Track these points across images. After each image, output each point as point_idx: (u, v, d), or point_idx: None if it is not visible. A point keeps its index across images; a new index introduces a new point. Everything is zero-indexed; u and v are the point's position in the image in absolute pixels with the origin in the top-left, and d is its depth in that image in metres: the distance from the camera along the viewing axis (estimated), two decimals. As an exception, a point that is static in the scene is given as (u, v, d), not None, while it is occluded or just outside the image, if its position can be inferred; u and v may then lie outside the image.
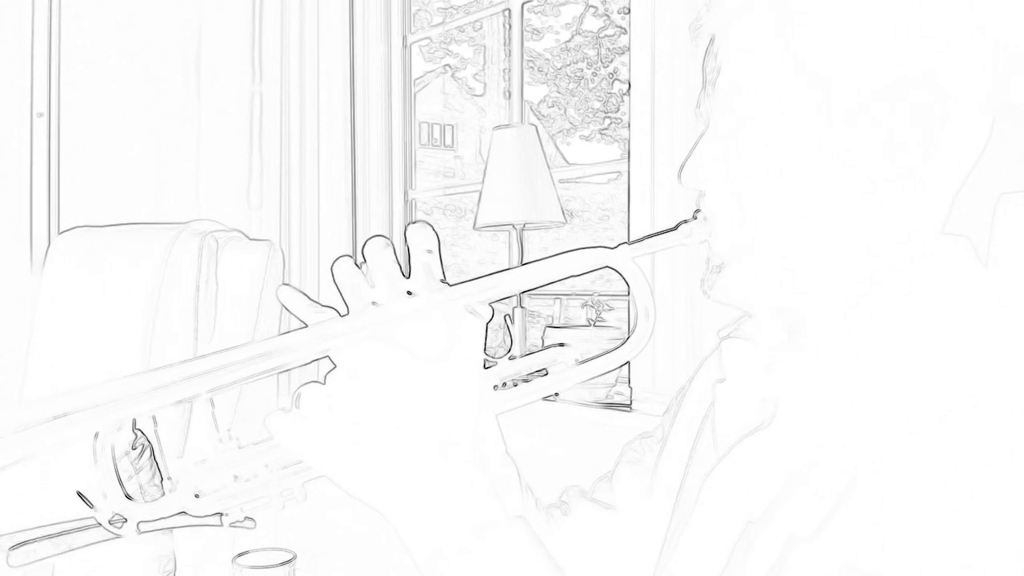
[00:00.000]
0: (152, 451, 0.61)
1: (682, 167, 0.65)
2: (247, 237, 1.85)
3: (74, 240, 1.89)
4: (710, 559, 0.61)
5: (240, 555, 0.97)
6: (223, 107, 2.39)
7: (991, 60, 0.58)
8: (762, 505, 0.58)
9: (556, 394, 1.74)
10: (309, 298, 0.62)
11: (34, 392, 1.78)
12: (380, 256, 0.62)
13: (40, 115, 2.17)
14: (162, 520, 0.60)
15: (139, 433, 0.60)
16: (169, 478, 0.60)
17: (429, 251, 0.63)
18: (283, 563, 0.97)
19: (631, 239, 0.68)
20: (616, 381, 1.71)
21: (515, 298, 1.92)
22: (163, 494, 0.60)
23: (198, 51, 2.39)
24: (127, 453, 0.59)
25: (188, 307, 1.71)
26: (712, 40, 0.64)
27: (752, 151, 0.61)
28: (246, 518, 0.62)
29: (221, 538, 1.32)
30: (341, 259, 0.62)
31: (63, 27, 2.21)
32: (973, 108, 0.58)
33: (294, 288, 0.63)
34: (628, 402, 1.66)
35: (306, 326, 0.61)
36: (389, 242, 0.63)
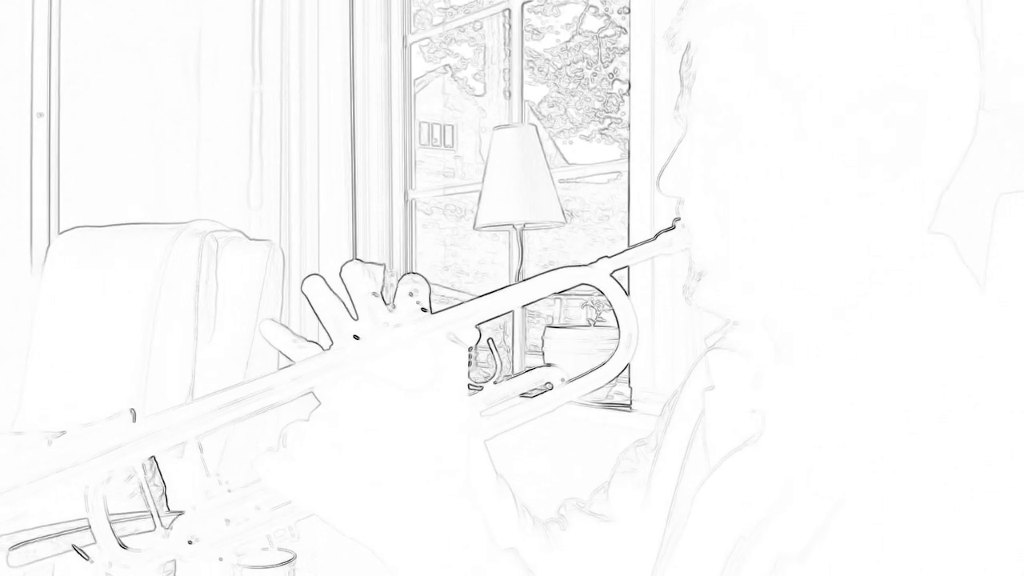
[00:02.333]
0: (158, 467, 0.61)
1: (660, 174, 0.65)
2: (247, 237, 1.86)
3: (74, 240, 1.89)
4: (703, 573, 0.61)
5: (240, 555, 0.97)
6: (223, 107, 2.39)
7: (975, 62, 0.58)
8: (753, 520, 0.58)
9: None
10: (293, 333, 0.62)
11: (34, 392, 1.78)
12: (360, 285, 0.61)
13: (40, 115, 2.17)
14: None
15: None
16: (164, 526, 0.60)
17: (410, 294, 0.62)
18: (283, 563, 0.96)
19: (628, 240, 0.68)
20: (616, 382, 1.71)
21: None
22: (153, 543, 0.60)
23: (198, 51, 2.39)
24: (129, 478, 0.59)
25: (188, 307, 1.71)
26: (688, 47, 0.63)
27: (730, 160, 0.61)
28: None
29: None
30: (312, 279, 0.61)
31: (63, 27, 2.21)
32: (955, 110, 0.58)
33: (277, 323, 0.62)
34: (628, 402, 1.66)
35: (292, 363, 0.61)
36: (368, 269, 0.62)
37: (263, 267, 1.75)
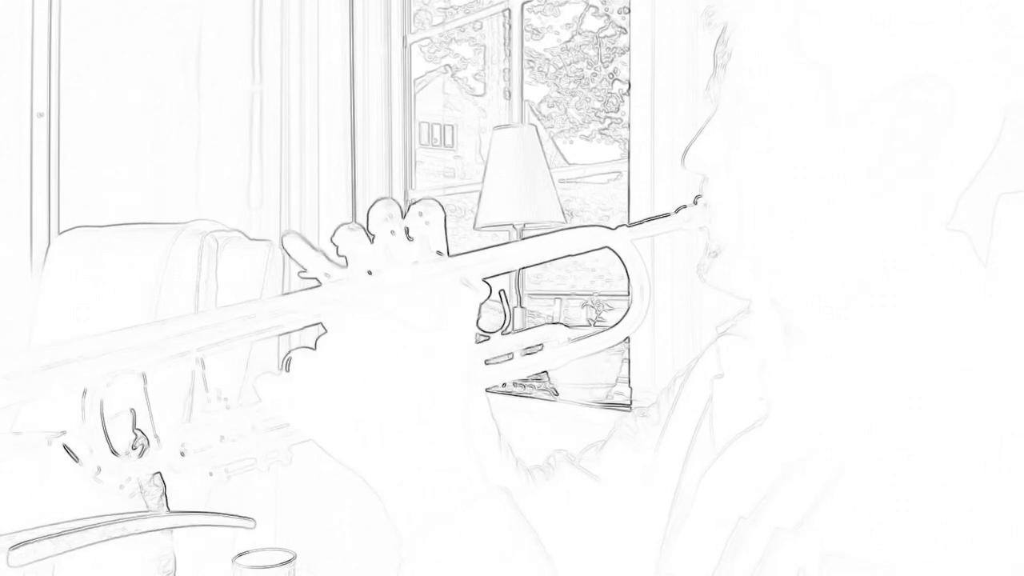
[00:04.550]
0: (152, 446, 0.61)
1: (686, 151, 0.65)
2: (247, 237, 1.85)
3: (74, 240, 1.89)
4: (707, 555, 0.62)
5: (240, 555, 0.97)
6: (223, 107, 2.39)
7: (1001, 59, 0.58)
8: (754, 502, 0.58)
9: (557, 393, 1.74)
10: (312, 247, 0.62)
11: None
12: (382, 223, 0.62)
13: (40, 115, 2.17)
14: (156, 520, 0.60)
15: (139, 433, 0.60)
16: (156, 436, 0.60)
17: (427, 223, 0.62)
18: (283, 563, 0.97)
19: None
20: (616, 381, 1.71)
21: (516, 297, 1.92)
22: (148, 448, 0.60)
23: (198, 51, 2.39)
24: (127, 453, 0.59)
25: (188, 307, 1.71)
26: (724, 28, 0.64)
27: (757, 142, 0.61)
28: (242, 517, 0.62)
29: (221, 538, 1.32)
30: (342, 228, 0.62)
31: (63, 27, 2.21)
32: (981, 107, 0.58)
33: (300, 236, 0.63)
34: (628, 402, 1.66)
35: (318, 283, 0.61)
36: (395, 204, 0.62)
37: (263, 267, 1.75)
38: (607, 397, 1.71)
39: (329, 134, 2.34)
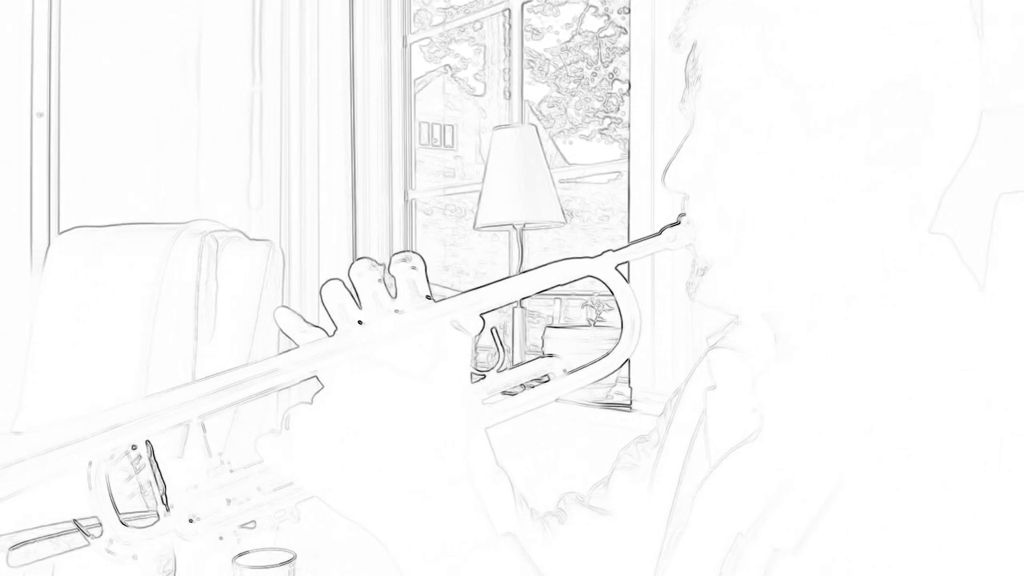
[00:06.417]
0: (152, 451, 0.61)
1: (666, 170, 0.65)
2: (247, 237, 1.86)
3: (74, 240, 1.89)
4: (703, 572, 0.62)
5: (240, 555, 0.97)
6: (223, 107, 2.39)
7: (978, 61, 0.58)
8: (751, 518, 0.58)
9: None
10: (304, 320, 0.63)
11: (34, 392, 1.78)
12: (365, 276, 0.62)
13: (40, 115, 2.17)
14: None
15: (146, 444, 0.60)
16: (166, 504, 0.61)
17: (414, 268, 0.62)
18: (283, 563, 0.96)
19: (628, 240, 0.68)
20: (616, 381, 1.71)
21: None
22: (157, 519, 0.60)
23: (198, 51, 2.39)
24: (127, 453, 0.59)
25: (188, 307, 1.71)
26: (694, 46, 0.63)
27: (735, 157, 0.61)
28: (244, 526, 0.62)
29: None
30: (330, 282, 0.62)
31: (63, 27, 2.21)
32: (959, 109, 0.58)
33: (291, 311, 0.63)
34: (628, 402, 1.66)
35: (297, 346, 0.61)
36: (374, 263, 0.63)
37: (263, 267, 1.75)
38: (607, 397, 1.71)
39: (329, 134, 2.34)
